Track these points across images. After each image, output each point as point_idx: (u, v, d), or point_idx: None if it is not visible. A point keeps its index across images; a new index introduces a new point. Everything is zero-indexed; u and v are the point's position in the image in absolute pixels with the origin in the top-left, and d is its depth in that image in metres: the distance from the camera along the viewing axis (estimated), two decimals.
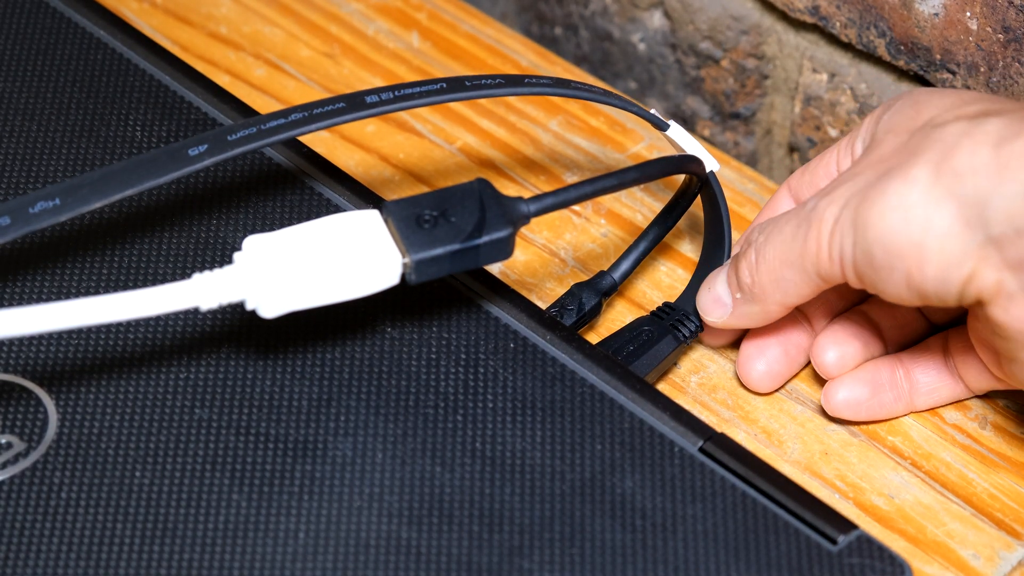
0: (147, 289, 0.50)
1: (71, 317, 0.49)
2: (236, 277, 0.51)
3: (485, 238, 0.52)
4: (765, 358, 0.59)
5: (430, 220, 0.52)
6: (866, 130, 0.56)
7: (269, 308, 0.51)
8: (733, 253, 0.58)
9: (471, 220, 0.52)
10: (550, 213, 0.54)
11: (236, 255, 0.51)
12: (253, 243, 0.51)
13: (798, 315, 0.59)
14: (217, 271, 0.51)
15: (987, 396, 0.59)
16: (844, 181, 0.53)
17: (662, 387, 0.60)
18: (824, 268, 0.54)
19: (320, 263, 0.51)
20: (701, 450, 0.53)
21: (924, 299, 0.52)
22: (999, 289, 0.51)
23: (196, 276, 0.50)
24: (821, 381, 0.60)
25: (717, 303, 0.57)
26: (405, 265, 0.52)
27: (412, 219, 0.52)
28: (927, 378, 0.58)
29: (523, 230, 0.64)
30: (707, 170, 0.59)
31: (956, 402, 0.59)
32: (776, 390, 0.59)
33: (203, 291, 0.50)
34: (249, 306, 0.51)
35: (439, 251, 0.51)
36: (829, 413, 0.58)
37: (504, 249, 0.52)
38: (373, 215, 0.52)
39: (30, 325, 0.49)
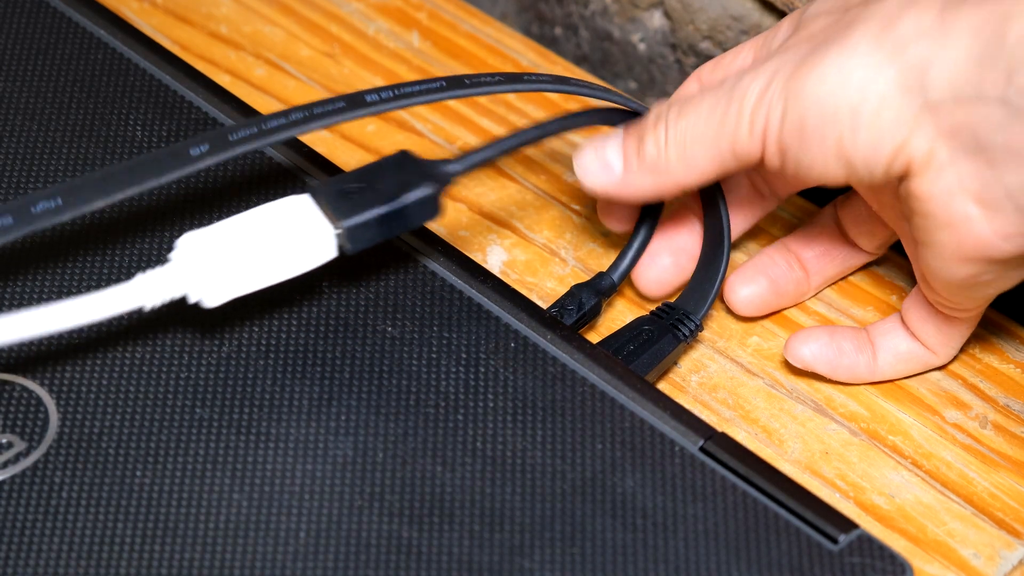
0: (91, 294, 0.51)
1: (13, 328, 0.50)
2: (173, 273, 0.52)
3: (409, 197, 0.53)
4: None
5: (356, 191, 0.53)
6: (788, 22, 0.56)
7: (211, 296, 0.52)
8: (636, 123, 0.56)
9: (394, 184, 0.53)
10: (477, 170, 0.55)
11: (171, 253, 0.52)
12: (187, 240, 0.52)
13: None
14: (155, 270, 0.52)
15: (987, 396, 0.59)
16: (769, 58, 0.53)
17: (662, 386, 0.60)
18: (742, 144, 0.53)
19: (253, 245, 0.52)
20: (702, 449, 0.53)
21: (850, 170, 0.51)
22: (930, 159, 0.50)
23: (137, 276, 0.52)
24: (821, 380, 0.60)
25: (605, 168, 0.56)
26: (338, 236, 0.53)
27: (339, 193, 0.53)
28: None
29: (524, 230, 0.64)
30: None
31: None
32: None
33: (144, 290, 0.51)
34: (192, 299, 0.52)
35: (368, 215, 0.53)
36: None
37: (431, 207, 0.54)
38: (302, 198, 0.53)
39: None
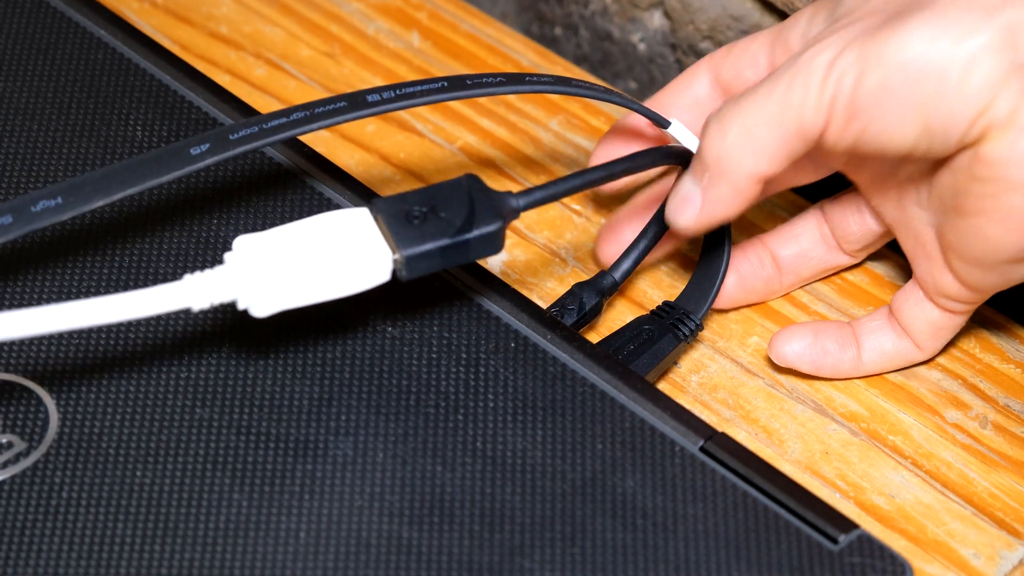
0: (138, 291, 0.50)
1: (60, 320, 0.49)
2: (227, 277, 0.51)
3: (475, 232, 0.52)
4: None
5: (419, 216, 0.52)
6: (822, 8, 0.55)
7: (261, 307, 0.51)
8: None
9: (460, 215, 0.52)
10: (541, 207, 0.54)
11: (227, 255, 0.51)
12: (243, 243, 0.51)
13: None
14: (208, 272, 0.51)
15: (987, 396, 0.59)
16: (830, 34, 0.52)
17: (662, 386, 0.60)
18: (808, 117, 0.51)
19: (310, 261, 0.51)
20: (702, 449, 0.53)
21: (926, 137, 0.51)
22: (1011, 120, 0.49)
23: (187, 277, 0.50)
24: (821, 380, 0.60)
25: (685, 201, 0.55)
26: (396, 261, 0.52)
27: (401, 215, 0.52)
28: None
29: (524, 230, 0.64)
30: None
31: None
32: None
33: (194, 292, 0.50)
34: (241, 306, 0.51)
35: (429, 246, 0.52)
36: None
37: (494, 243, 0.52)
38: (363, 213, 0.52)
39: (17, 328, 0.49)
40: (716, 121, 0.53)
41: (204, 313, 0.56)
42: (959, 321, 0.57)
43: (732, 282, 0.61)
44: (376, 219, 0.52)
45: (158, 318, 0.56)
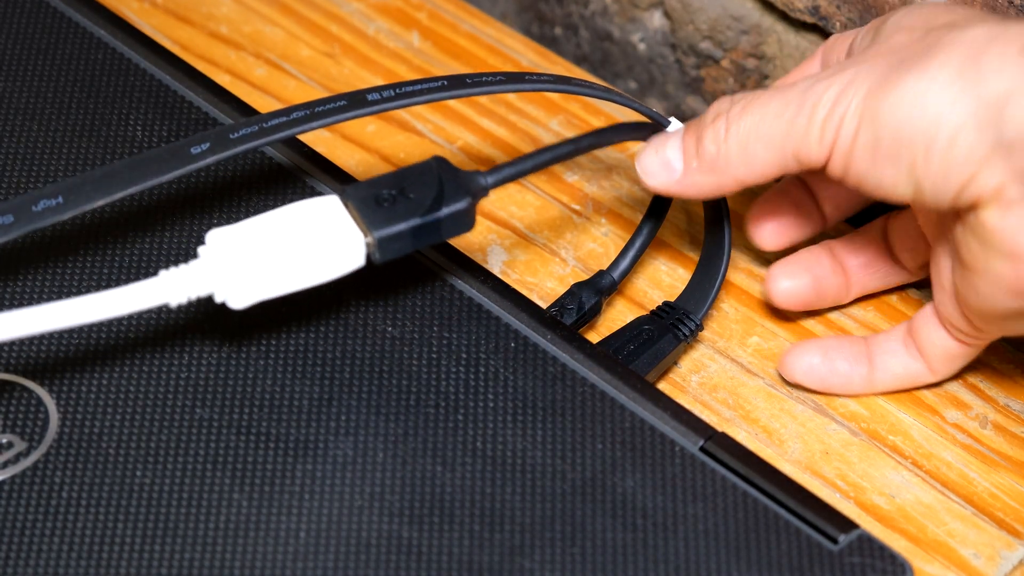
0: (114, 289, 0.50)
1: (36, 322, 0.49)
2: (202, 271, 0.51)
3: (444, 211, 0.52)
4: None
5: (389, 199, 0.52)
6: (870, 29, 0.55)
7: (238, 299, 0.51)
8: (695, 121, 0.56)
9: (430, 195, 0.52)
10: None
11: (200, 249, 0.51)
12: (216, 236, 0.52)
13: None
14: (183, 267, 0.51)
15: (987, 396, 0.59)
16: (845, 68, 0.52)
17: (663, 386, 0.60)
18: (807, 150, 0.53)
19: (284, 250, 0.51)
20: (702, 449, 0.53)
21: (918, 195, 0.51)
22: (999, 194, 0.50)
23: (163, 272, 0.51)
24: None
25: (666, 167, 0.55)
26: (368, 244, 0.52)
27: (371, 199, 0.52)
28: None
29: (524, 230, 0.64)
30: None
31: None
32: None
33: (170, 287, 0.51)
34: (218, 299, 0.51)
35: (400, 227, 0.52)
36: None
37: (464, 221, 0.53)
38: (332, 200, 0.53)
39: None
40: (723, 120, 0.54)
41: (205, 313, 0.56)
42: (973, 352, 0.57)
43: (807, 284, 0.60)
44: (347, 205, 0.52)
45: (159, 318, 0.56)
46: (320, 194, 0.59)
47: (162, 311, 0.56)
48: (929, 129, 0.50)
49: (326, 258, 0.52)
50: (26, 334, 0.49)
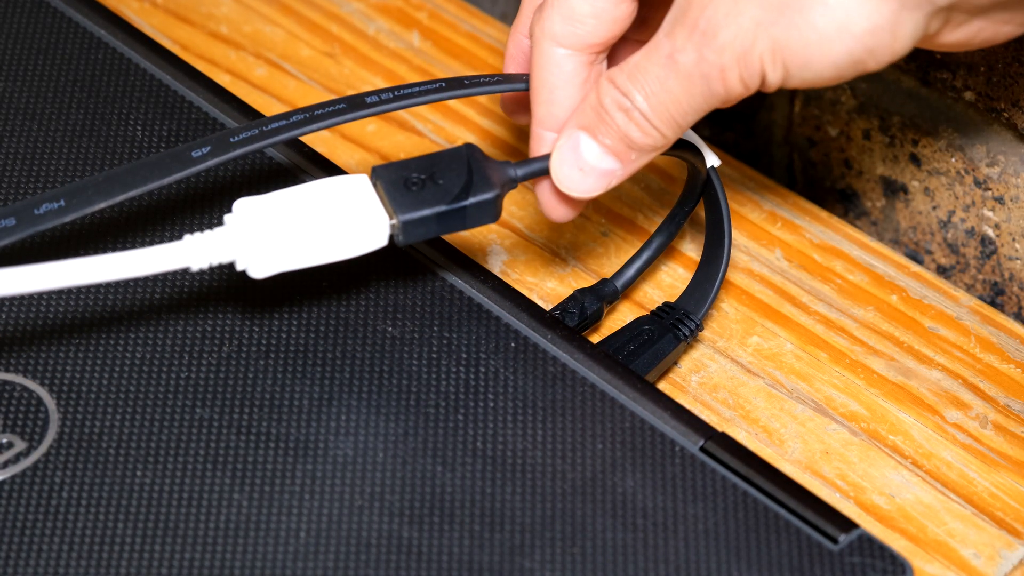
0: (139, 250, 0.50)
1: (60, 277, 0.50)
2: (226, 237, 0.51)
3: (471, 200, 0.52)
4: None
5: (417, 183, 0.53)
6: None
7: (259, 268, 0.52)
8: (584, 115, 0.54)
9: (458, 182, 0.53)
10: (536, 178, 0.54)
11: (226, 216, 0.52)
12: (243, 205, 0.52)
13: None
14: (208, 232, 0.51)
15: (987, 396, 0.59)
16: (720, 23, 0.50)
17: (663, 386, 0.60)
18: (734, 93, 0.51)
19: (309, 223, 0.52)
20: (702, 449, 0.53)
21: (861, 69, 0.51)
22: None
23: (187, 237, 0.51)
24: (821, 380, 0.60)
25: (603, 174, 0.54)
26: (392, 226, 0.52)
27: (400, 182, 0.53)
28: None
29: (524, 230, 0.64)
30: (708, 165, 0.58)
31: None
32: None
33: (194, 251, 0.51)
34: (239, 266, 0.52)
35: (426, 212, 0.52)
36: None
37: (490, 211, 0.53)
38: (362, 179, 0.53)
39: (16, 285, 0.49)
40: (632, 112, 0.52)
41: (204, 313, 0.56)
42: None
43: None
44: (375, 185, 0.53)
45: (159, 318, 0.56)
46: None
47: (166, 304, 0.56)
48: (857, 30, 0.49)
49: (349, 236, 0.52)
50: (44, 288, 0.50)
